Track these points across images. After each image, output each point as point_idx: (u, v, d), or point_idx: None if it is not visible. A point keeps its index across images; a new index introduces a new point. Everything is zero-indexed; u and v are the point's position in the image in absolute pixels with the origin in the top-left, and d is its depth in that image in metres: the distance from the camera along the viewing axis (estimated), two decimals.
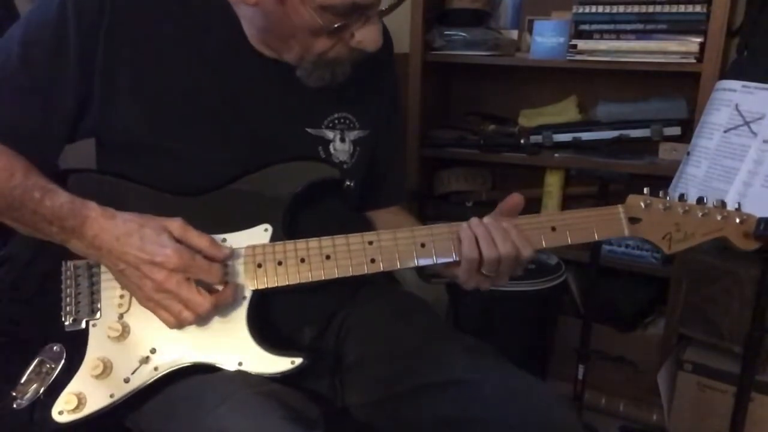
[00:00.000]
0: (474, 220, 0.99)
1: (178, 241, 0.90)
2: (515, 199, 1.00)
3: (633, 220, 1.02)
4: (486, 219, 0.99)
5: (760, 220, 1.02)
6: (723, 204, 1.03)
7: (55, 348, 0.94)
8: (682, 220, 1.02)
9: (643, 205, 1.02)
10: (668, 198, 1.03)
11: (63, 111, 0.98)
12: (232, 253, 0.95)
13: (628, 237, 1.03)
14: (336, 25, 0.94)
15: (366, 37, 0.97)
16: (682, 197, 1.03)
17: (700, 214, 1.02)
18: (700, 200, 1.03)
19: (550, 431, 0.98)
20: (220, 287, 0.92)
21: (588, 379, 1.73)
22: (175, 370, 0.94)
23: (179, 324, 0.91)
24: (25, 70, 0.95)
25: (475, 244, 0.97)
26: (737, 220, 1.02)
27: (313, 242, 0.98)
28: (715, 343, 1.83)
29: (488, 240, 0.97)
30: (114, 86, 0.97)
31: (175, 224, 0.91)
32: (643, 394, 2.12)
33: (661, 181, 1.48)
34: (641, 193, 1.03)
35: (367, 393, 1.08)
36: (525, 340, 2.07)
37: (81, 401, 0.91)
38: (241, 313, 0.96)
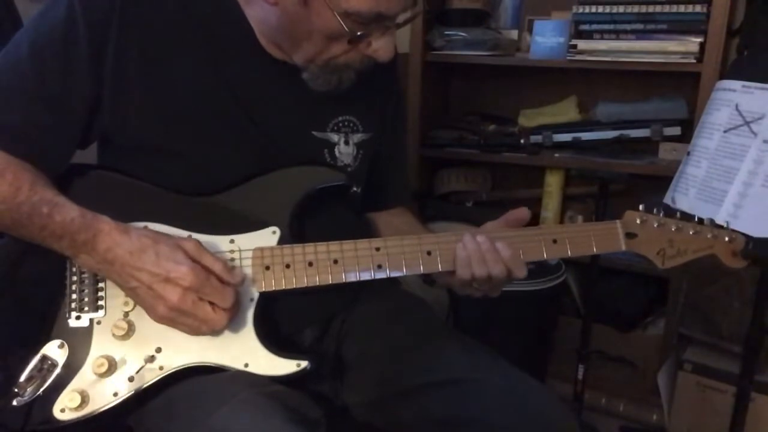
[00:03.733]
0: (467, 238, 1.00)
1: (192, 260, 0.89)
2: (523, 213, 1.03)
3: (629, 235, 1.05)
4: (479, 237, 1.00)
5: (748, 240, 1.05)
6: (712, 222, 1.06)
7: (57, 345, 0.93)
8: (675, 237, 1.05)
9: (638, 221, 1.05)
10: (662, 214, 1.05)
11: (74, 114, 0.97)
12: (244, 280, 0.95)
13: (624, 252, 1.06)
14: (358, 33, 0.94)
15: (382, 46, 0.97)
16: (674, 214, 1.06)
17: (691, 231, 1.05)
18: (691, 217, 1.06)
19: (546, 430, 0.99)
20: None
21: (588, 379, 1.73)
22: (180, 370, 0.94)
23: (195, 335, 0.92)
24: (35, 74, 0.94)
25: (468, 265, 0.98)
26: (726, 239, 1.05)
27: (321, 246, 0.98)
28: (715, 343, 1.83)
29: (480, 261, 0.98)
30: (123, 87, 0.97)
31: (190, 244, 0.91)
32: (643, 394, 2.13)
33: (661, 181, 1.49)
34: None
35: (366, 392, 1.08)
36: (525, 340, 2.07)
37: (84, 399, 0.91)
38: (248, 315, 0.96)
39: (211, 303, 0.89)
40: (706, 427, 1.85)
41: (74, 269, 0.95)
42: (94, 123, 0.99)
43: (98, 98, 0.97)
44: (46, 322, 0.94)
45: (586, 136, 2.16)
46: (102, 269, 0.91)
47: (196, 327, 0.90)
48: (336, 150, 1.11)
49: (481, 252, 0.98)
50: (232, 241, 0.97)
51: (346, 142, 1.12)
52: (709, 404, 1.84)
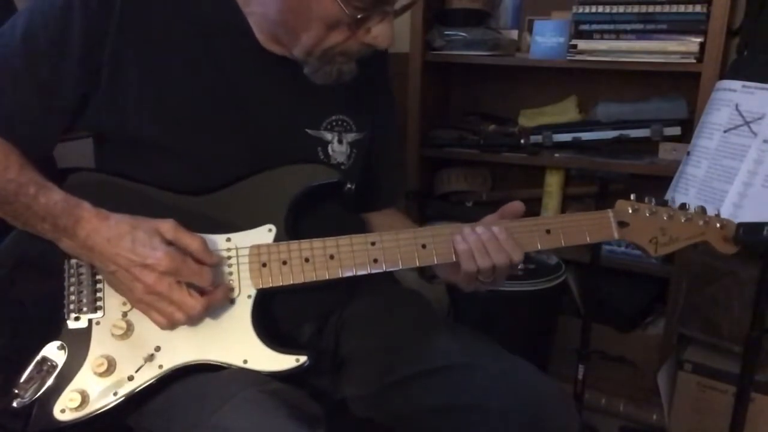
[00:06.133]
0: (466, 230, 1.00)
1: (170, 243, 0.90)
2: (516, 207, 1.03)
3: (622, 224, 1.06)
4: (479, 228, 1.00)
5: (739, 225, 1.06)
6: (703, 210, 1.07)
7: (56, 346, 0.93)
8: (667, 225, 1.06)
9: (630, 210, 1.06)
10: (653, 203, 1.06)
11: (62, 102, 0.97)
12: (221, 261, 0.95)
13: (617, 240, 1.07)
14: (358, 17, 0.94)
15: (381, 32, 0.97)
16: (666, 203, 1.07)
17: (683, 219, 1.06)
18: (683, 206, 1.07)
19: (543, 412, 0.99)
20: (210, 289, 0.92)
21: (588, 379, 1.73)
22: (179, 368, 0.94)
23: (171, 325, 0.91)
24: (27, 59, 0.95)
25: (471, 257, 0.98)
26: (717, 225, 1.07)
27: (317, 242, 0.98)
28: (715, 343, 1.83)
29: (482, 251, 0.98)
30: (122, 83, 0.97)
31: (167, 226, 0.91)
32: (643, 394, 2.13)
33: (661, 181, 1.49)
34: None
35: (363, 386, 1.08)
36: (525, 340, 2.07)
37: (84, 399, 0.91)
38: (245, 312, 0.96)
39: (190, 287, 0.90)
40: (706, 427, 1.85)
41: (72, 270, 0.96)
42: (83, 113, 0.99)
43: (91, 89, 0.97)
44: (45, 324, 0.94)
45: (586, 136, 2.16)
46: (83, 255, 0.92)
47: (170, 313, 0.90)
48: (329, 148, 1.11)
49: (482, 242, 0.98)
50: (228, 240, 0.97)
51: (340, 141, 1.12)
52: (709, 404, 1.84)
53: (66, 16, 0.94)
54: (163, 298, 0.89)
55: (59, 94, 0.97)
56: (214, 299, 0.93)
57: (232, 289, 0.96)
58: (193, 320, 0.92)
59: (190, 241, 0.92)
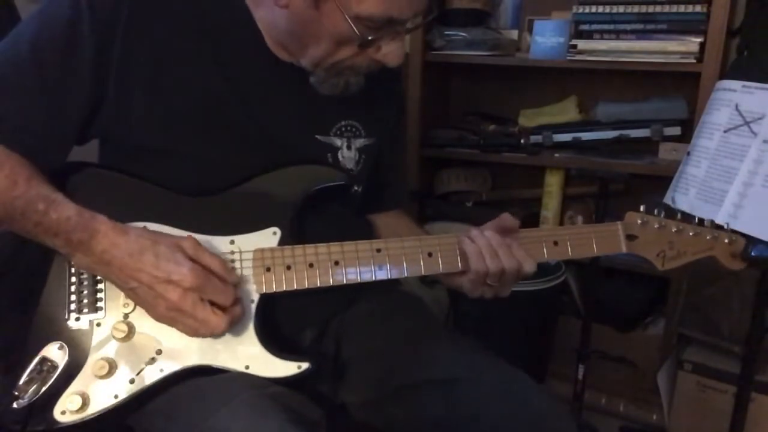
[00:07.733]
0: (475, 233, 1.00)
1: (191, 259, 0.89)
2: (508, 221, 1.02)
3: (630, 237, 1.06)
4: (487, 232, 1.00)
5: (748, 243, 1.06)
6: (713, 224, 1.06)
7: (56, 347, 0.93)
8: (675, 239, 1.06)
9: (639, 222, 1.05)
10: (663, 215, 1.06)
11: (73, 112, 0.96)
12: (240, 279, 0.95)
13: (625, 253, 1.06)
14: (369, 38, 0.93)
15: (392, 51, 0.97)
16: (675, 214, 1.06)
17: (691, 233, 1.05)
18: (692, 218, 1.06)
19: (541, 429, 0.99)
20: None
21: (588, 379, 1.73)
22: (180, 372, 0.94)
23: (195, 336, 0.91)
24: (35, 69, 0.93)
25: (481, 257, 0.98)
26: (726, 241, 1.06)
27: (322, 248, 0.98)
28: (715, 343, 1.83)
29: (492, 253, 0.98)
30: (129, 87, 0.96)
31: (188, 243, 0.90)
32: (643, 394, 2.13)
33: (661, 181, 1.49)
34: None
35: (363, 392, 1.08)
36: (525, 340, 2.07)
37: (85, 401, 0.90)
38: (248, 317, 0.96)
39: (212, 304, 0.89)
40: (706, 427, 1.85)
41: (73, 270, 0.95)
42: (94, 121, 0.98)
43: (101, 96, 0.96)
44: (46, 324, 0.94)
45: (586, 136, 2.16)
46: (98, 270, 0.90)
47: (195, 328, 0.89)
48: (339, 154, 1.11)
49: (491, 246, 0.98)
50: (232, 242, 0.97)
51: (349, 147, 1.11)
52: (709, 404, 1.84)
53: (74, 26, 0.93)
54: (188, 316, 0.88)
55: (68, 104, 0.95)
56: (236, 315, 0.92)
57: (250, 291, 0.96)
58: (217, 336, 0.92)
59: (211, 260, 0.91)
